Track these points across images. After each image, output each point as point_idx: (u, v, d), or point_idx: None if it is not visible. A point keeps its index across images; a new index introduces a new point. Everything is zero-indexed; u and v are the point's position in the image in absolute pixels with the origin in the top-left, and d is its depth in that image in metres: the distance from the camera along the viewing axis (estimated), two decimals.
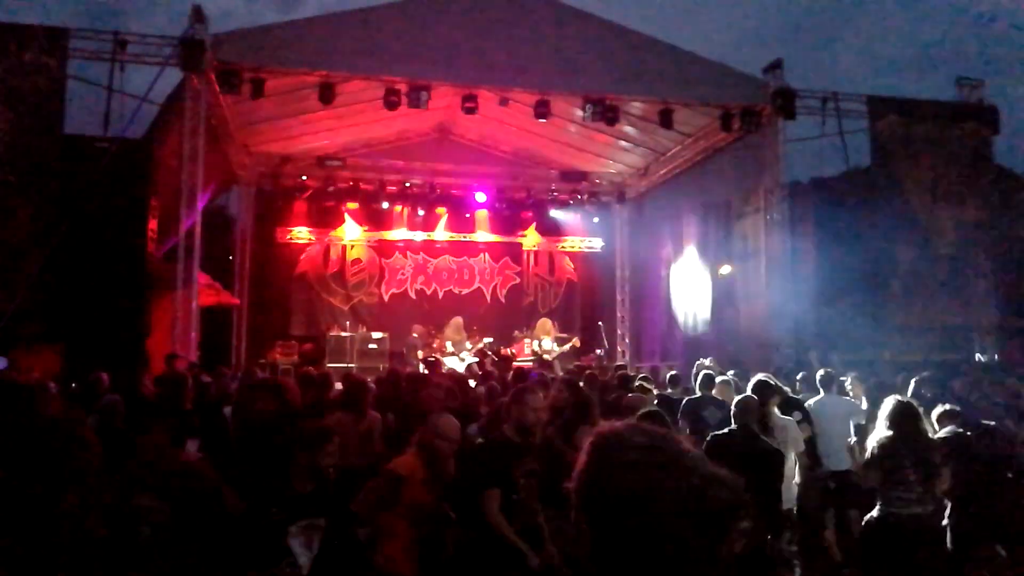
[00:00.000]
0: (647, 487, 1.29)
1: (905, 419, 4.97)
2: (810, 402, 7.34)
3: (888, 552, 4.86)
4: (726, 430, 5.28)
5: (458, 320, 17.69)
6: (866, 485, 5.33)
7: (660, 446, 1.35)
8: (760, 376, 6.29)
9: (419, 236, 20.13)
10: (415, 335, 17.25)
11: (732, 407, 5.39)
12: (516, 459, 4.35)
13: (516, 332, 18.52)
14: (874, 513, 5.03)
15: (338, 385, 8.05)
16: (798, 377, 8.37)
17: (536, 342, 18.04)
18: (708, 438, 5.22)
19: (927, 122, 14.76)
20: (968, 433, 5.11)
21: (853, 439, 5.99)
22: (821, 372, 7.83)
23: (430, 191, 18.95)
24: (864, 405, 7.40)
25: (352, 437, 5.87)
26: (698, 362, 10.77)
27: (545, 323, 19.24)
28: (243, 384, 6.94)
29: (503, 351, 16.79)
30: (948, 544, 4.93)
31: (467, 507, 4.33)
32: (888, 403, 5.14)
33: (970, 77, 15.48)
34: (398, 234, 20.04)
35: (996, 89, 15.69)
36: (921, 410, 5.17)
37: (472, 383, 9.42)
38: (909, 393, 6.67)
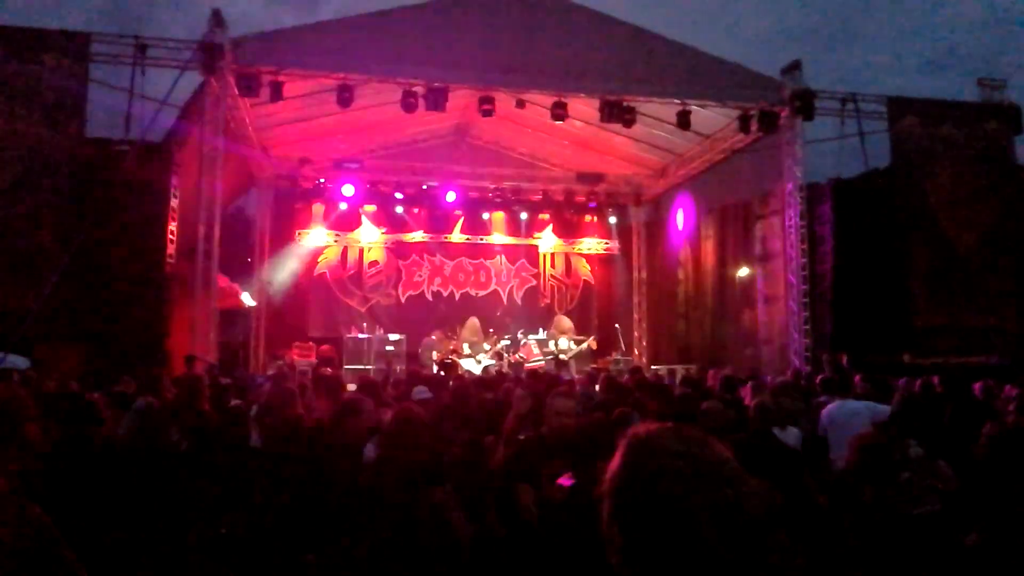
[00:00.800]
0: (681, 496, 1.26)
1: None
2: (830, 406, 7.27)
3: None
4: None
5: (475, 322, 17.71)
6: None
7: (696, 453, 1.32)
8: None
9: (436, 238, 20.19)
10: (433, 337, 17.29)
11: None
12: (547, 459, 4.35)
13: (520, 335, 18.38)
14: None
15: (351, 387, 8.07)
16: (817, 380, 8.29)
17: (553, 342, 18.00)
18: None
19: (947, 123, 14.62)
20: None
21: None
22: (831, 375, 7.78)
23: (447, 193, 18.99)
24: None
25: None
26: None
27: (562, 321, 19.21)
28: (275, 389, 6.97)
29: (514, 357, 16.80)
30: None
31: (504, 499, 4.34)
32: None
33: (992, 77, 15.33)
34: (415, 236, 20.10)
35: (1019, 89, 15.50)
36: None
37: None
38: None
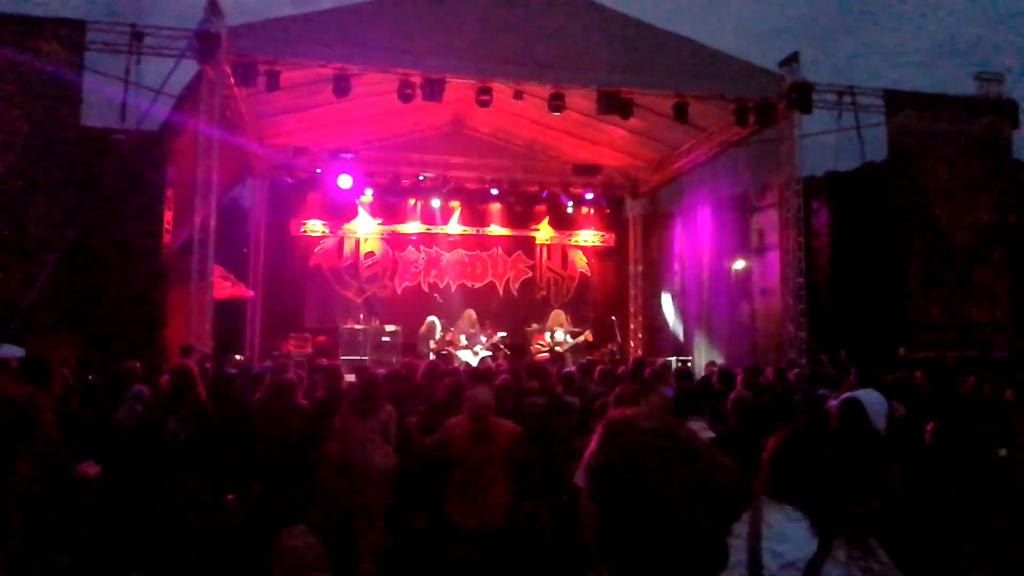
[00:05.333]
0: (656, 471, 1.30)
1: None
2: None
3: None
4: None
5: (471, 313, 17.71)
6: None
7: (669, 432, 1.37)
8: None
9: (432, 229, 20.17)
10: (427, 325, 17.31)
11: None
12: None
13: (528, 327, 18.43)
14: None
15: (349, 377, 8.08)
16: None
17: (548, 334, 18.02)
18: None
19: (945, 117, 14.64)
20: None
21: None
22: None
23: (443, 184, 18.96)
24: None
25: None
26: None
27: (559, 315, 19.23)
28: (274, 379, 6.97)
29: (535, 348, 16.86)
30: None
31: None
32: None
33: (989, 71, 15.33)
34: (411, 227, 20.08)
35: (1016, 83, 15.52)
36: None
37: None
38: None
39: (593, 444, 1.42)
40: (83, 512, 4.71)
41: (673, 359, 16.28)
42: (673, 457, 1.32)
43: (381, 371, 7.94)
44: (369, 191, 19.03)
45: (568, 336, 17.97)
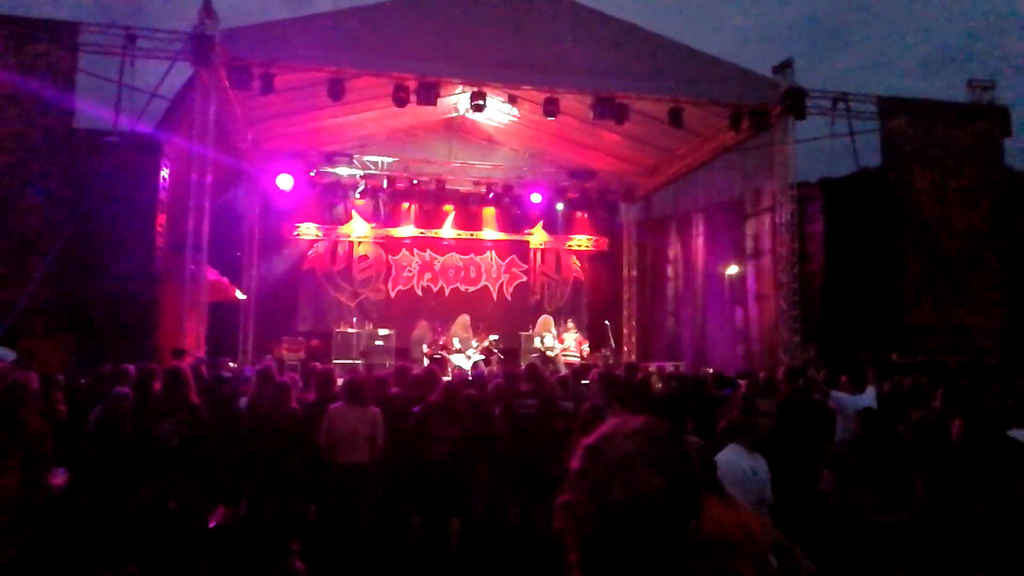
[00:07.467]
0: (636, 485, 1.29)
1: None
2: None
3: None
4: None
5: (465, 318, 17.68)
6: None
7: (652, 444, 1.35)
8: None
9: (426, 233, 20.15)
10: (419, 330, 17.30)
11: None
12: None
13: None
14: None
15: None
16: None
17: (538, 339, 18.00)
18: None
19: (938, 123, 14.69)
20: None
21: None
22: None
23: (438, 188, 18.95)
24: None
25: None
26: None
27: (547, 320, 19.22)
28: (266, 383, 6.95)
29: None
30: None
31: None
32: None
33: (982, 78, 15.41)
34: (405, 231, 20.06)
35: (1008, 90, 15.58)
36: None
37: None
38: None
39: (576, 454, 1.41)
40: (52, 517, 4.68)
41: (667, 364, 16.30)
42: (653, 471, 1.30)
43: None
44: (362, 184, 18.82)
45: (557, 341, 17.96)
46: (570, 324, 18.53)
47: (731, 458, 4.69)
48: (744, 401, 7.65)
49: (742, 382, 9.21)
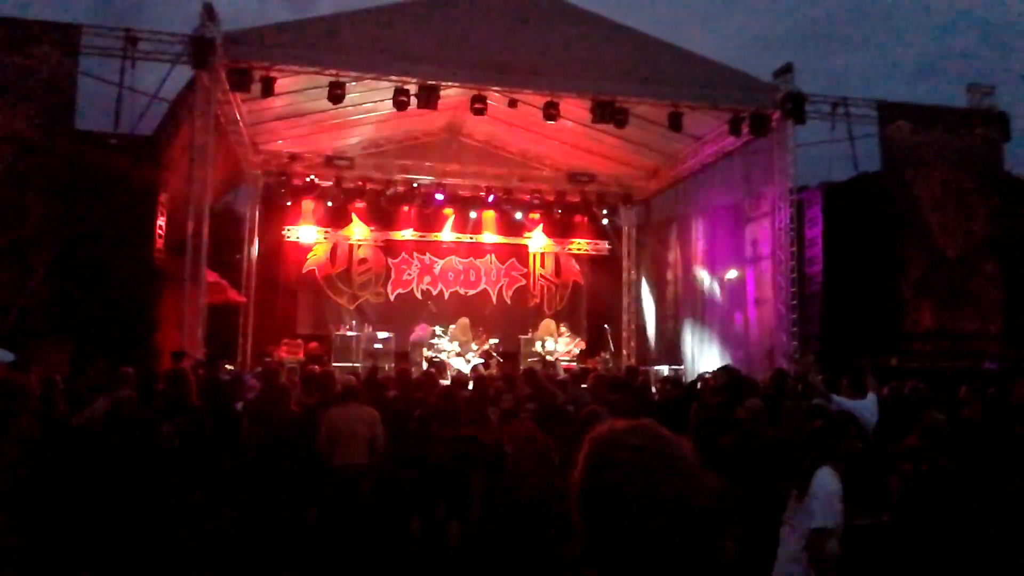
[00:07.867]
0: (638, 489, 1.30)
1: None
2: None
3: None
4: None
5: (464, 321, 17.68)
6: None
7: (654, 448, 1.36)
8: None
9: (426, 236, 20.14)
10: (419, 332, 17.29)
11: None
12: None
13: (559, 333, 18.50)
14: None
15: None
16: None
17: (539, 342, 17.99)
18: None
19: (937, 128, 14.71)
20: None
21: None
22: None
23: (438, 191, 18.93)
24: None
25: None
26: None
27: (549, 324, 19.21)
28: (265, 384, 6.96)
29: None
30: None
31: None
32: None
33: (981, 83, 15.43)
34: (405, 234, 20.04)
35: (1008, 96, 15.62)
36: None
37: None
38: None
39: (580, 458, 1.42)
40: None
41: (665, 368, 16.30)
42: (655, 475, 1.32)
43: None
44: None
45: (559, 346, 17.96)
46: (563, 328, 18.54)
47: None
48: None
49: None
